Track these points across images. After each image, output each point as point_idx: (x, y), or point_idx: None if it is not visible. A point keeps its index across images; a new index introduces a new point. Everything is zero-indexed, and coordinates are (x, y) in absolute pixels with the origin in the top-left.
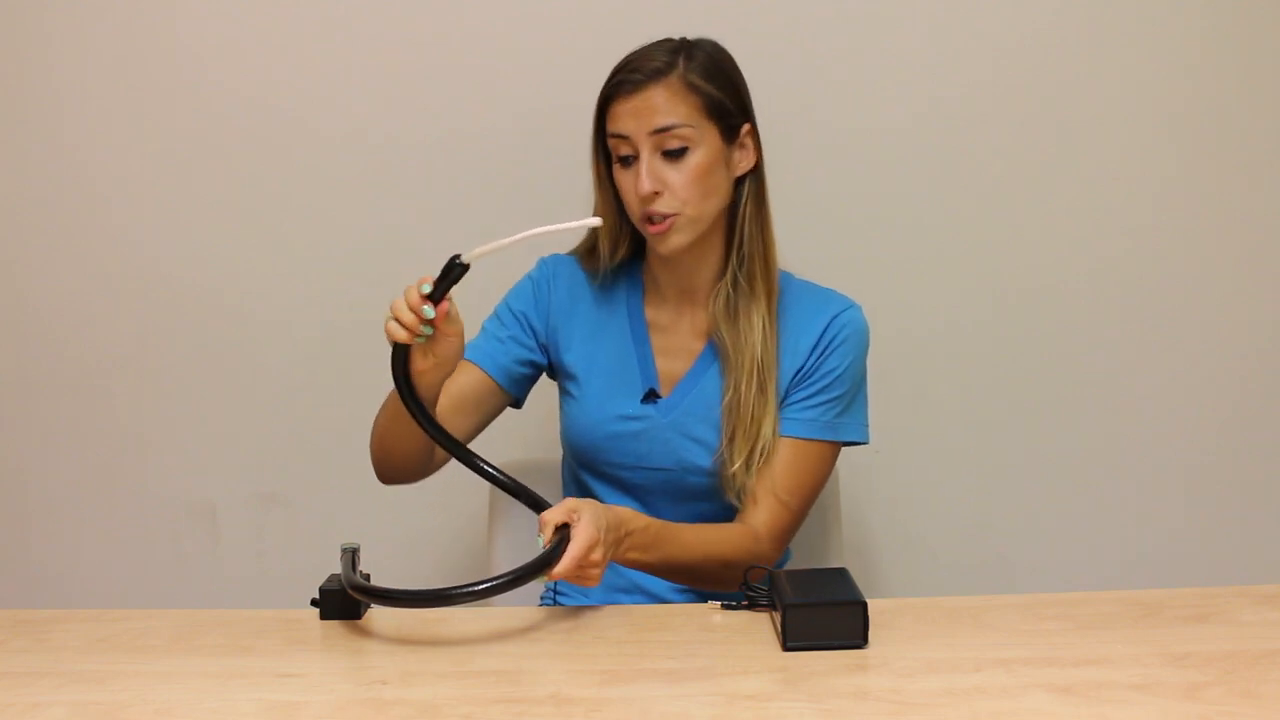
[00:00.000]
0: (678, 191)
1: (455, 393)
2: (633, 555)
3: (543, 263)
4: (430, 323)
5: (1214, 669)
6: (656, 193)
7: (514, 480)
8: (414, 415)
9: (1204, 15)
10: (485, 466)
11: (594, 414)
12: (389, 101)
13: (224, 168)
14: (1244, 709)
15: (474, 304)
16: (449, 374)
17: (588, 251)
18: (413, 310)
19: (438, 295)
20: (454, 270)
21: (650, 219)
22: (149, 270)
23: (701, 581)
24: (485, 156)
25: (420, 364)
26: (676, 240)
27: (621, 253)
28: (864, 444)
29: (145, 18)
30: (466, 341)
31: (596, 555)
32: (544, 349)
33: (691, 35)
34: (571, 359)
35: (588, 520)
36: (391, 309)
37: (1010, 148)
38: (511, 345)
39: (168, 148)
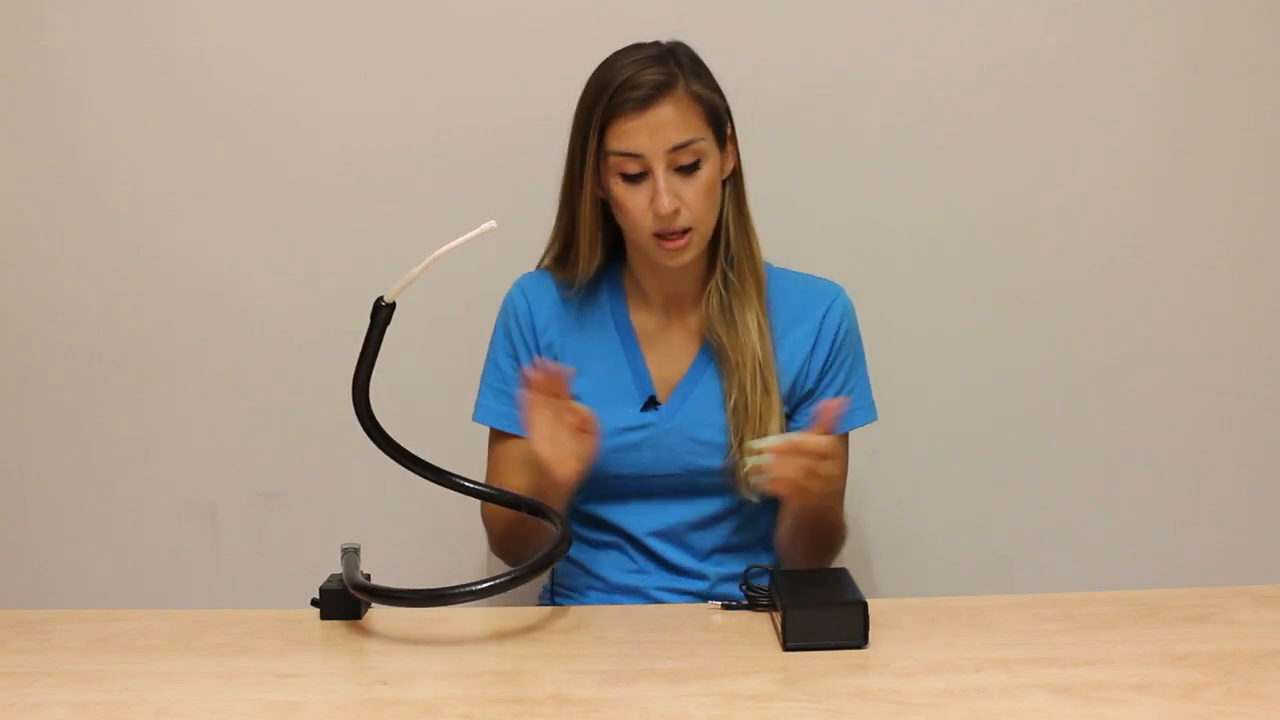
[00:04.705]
0: (693, 206)
1: (524, 460)
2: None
3: (514, 295)
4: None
5: (1214, 669)
6: (675, 211)
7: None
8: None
9: (1204, 15)
10: (470, 484)
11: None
12: (390, 103)
13: (224, 168)
14: (1244, 709)
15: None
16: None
17: (558, 263)
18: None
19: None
20: (381, 312)
21: (665, 235)
22: (149, 271)
23: (819, 551)
24: (487, 158)
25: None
26: (691, 254)
27: (598, 261)
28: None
29: (145, 17)
30: (478, 402)
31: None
32: None
33: (688, 34)
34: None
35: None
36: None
37: (1010, 148)
38: None
39: (167, 148)
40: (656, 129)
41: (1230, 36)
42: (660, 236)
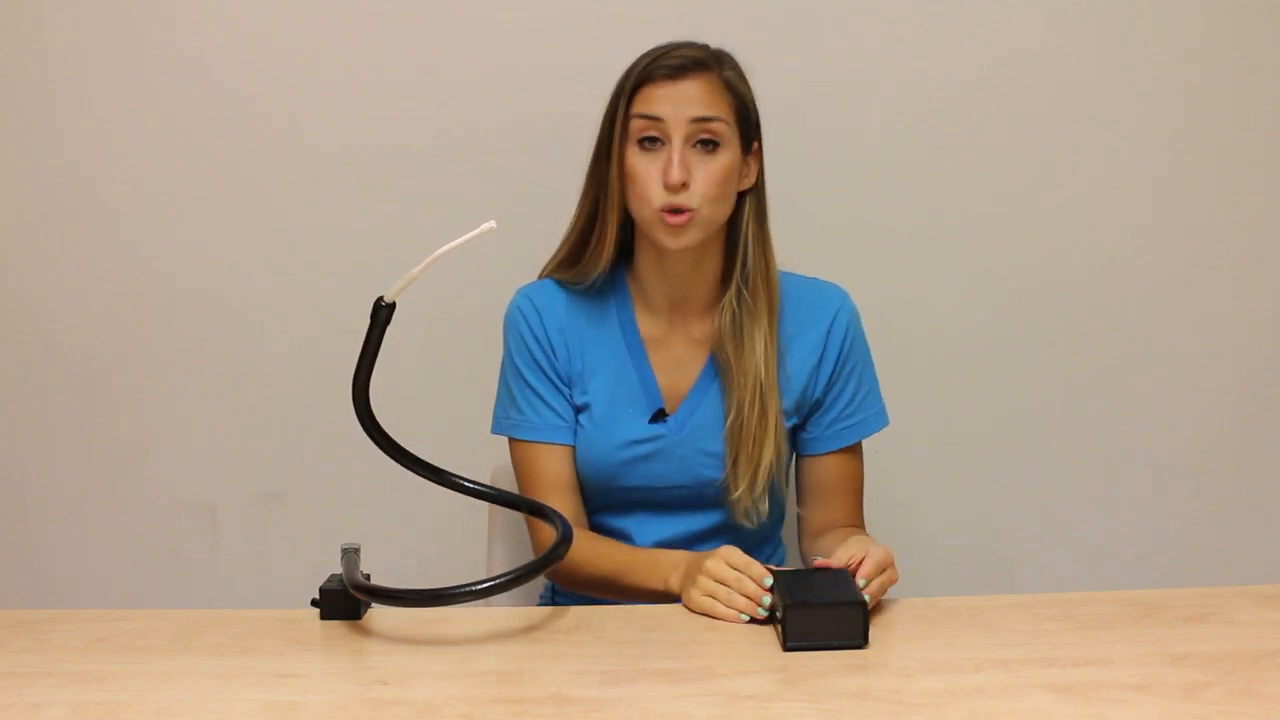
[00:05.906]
0: (702, 187)
1: (570, 479)
2: None
3: (521, 305)
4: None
5: (1214, 669)
6: (684, 184)
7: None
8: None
9: (1204, 15)
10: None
11: (604, 442)
12: (390, 103)
13: (224, 168)
14: (1244, 709)
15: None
16: None
17: (570, 262)
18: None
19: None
20: (381, 312)
21: (669, 210)
22: (149, 271)
23: None
24: (487, 158)
25: None
26: (689, 237)
27: (612, 254)
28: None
29: (145, 17)
30: (503, 416)
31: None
32: (569, 385)
33: (688, 34)
34: (578, 389)
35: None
36: (727, 587)
37: (1010, 148)
38: (563, 405)
39: (167, 148)
40: (681, 99)
41: (1230, 36)
42: (664, 212)
